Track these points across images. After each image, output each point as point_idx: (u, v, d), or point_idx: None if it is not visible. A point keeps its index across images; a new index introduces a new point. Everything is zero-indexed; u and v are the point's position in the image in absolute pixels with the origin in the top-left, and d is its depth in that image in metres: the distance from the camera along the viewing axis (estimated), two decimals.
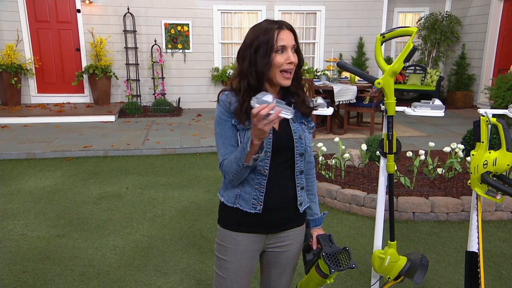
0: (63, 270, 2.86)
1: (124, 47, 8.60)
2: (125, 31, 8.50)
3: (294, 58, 1.43)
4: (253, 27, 1.46)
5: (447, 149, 4.27)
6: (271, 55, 1.41)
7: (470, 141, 4.61)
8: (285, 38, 1.41)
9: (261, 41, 1.40)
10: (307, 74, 8.56)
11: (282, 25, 1.42)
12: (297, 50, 1.46)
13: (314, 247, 1.62)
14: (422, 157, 4.05)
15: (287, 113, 1.27)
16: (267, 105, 1.24)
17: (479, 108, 3.80)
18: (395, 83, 7.87)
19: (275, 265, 1.63)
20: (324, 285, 1.58)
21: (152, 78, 8.81)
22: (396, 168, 3.26)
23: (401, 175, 4.11)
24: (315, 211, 1.69)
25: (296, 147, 1.50)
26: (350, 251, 1.54)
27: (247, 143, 1.35)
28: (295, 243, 1.62)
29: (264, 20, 1.46)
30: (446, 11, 9.80)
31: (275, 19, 1.47)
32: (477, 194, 1.91)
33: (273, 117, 1.24)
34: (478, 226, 1.93)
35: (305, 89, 1.58)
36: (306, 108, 1.54)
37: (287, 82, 1.45)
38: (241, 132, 1.46)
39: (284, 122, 1.49)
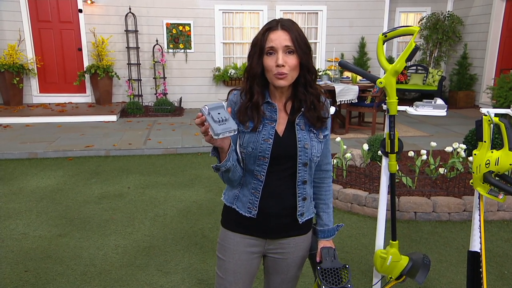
0: (65, 270, 2.87)
1: (126, 47, 8.61)
2: (127, 31, 8.51)
3: (284, 60, 1.33)
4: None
5: (449, 149, 4.26)
6: (262, 56, 1.37)
7: (472, 141, 4.60)
8: (274, 39, 1.33)
9: (255, 42, 1.38)
10: None
11: (276, 24, 1.35)
12: (298, 51, 1.35)
13: (318, 259, 1.56)
14: (424, 157, 4.04)
15: (212, 131, 1.23)
16: (201, 115, 1.23)
17: (481, 108, 3.79)
18: (397, 83, 7.87)
19: (276, 272, 1.60)
20: None
21: (153, 78, 8.81)
22: (397, 167, 3.26)
23: (402, 174, 4.11)
24: (325, 221, 1.59)
25: (299, 156, 1.43)
26: (350, 270, 1.47)
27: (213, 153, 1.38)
28: (297, 252, 1.57)
29: (273, 19, 1.42)
30: (448, 11, 9.79)
31: (280, 18, 1.42)
32: (479, 193, 1.91)
33: (202, 130, 1.24)
34: (480, 226, 1.93)
35: (324, 99, 1.48)
36: (316, 118, 1.44)
37: (280, 83, 1.37)
38: (241, 135, 1.44)
39: (290, 128, 1.44)
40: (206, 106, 1.24)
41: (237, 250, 1.52)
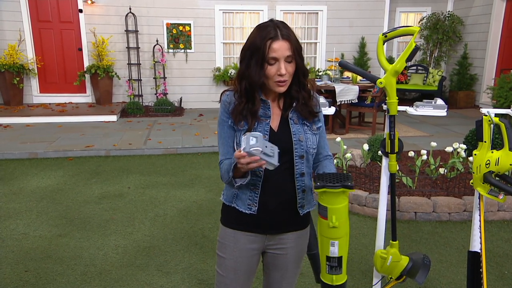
0: (65, 270, 2.87)
1: (126, 47, 8.61)
2: (127, 31, 8.51)
3: (286, 69, 1.38)
4: (256, 27, 1.43)
5: (449, 149, 4.26)
6: (263, 65, 1.39)
7: (472, 141, 4.60)
8: (277, 49, 1.36)
9: (255, 48, 1.38)
10: (309, 74, 8.56)
11: (277, 34, 1.36)
12: (296, 58, 1.40)
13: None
14: (424, 157, 4.04)
15: (272, 165, 1.28)
16: (249, 156, 1.25)
17: (481, 108, 3.79)
18: (397, 83, 7.83)
19: (275, 267, 1.62)
20: (334, 237, 1.37)
21: (154, 78, 8.81)
22: (398, 168, 3.25)
23: (403, 175, 4.11)
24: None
25: (295, 149, 1.47)
26: (351, 177, 1.33)
27: (232, 165, 1.39)
28: (296, 247, 1.59)
29: (268, 22, 1.41)
30: (448, 11, 9.79)
31: (279, 19, 1.43)
32: (479, 194, 1.91)
33: (253, 166, 1.28)
34: (480, 226, 1.93)
35: (312, 93, 1.53)
36: (308, 113, 1.50)
37: (280, 89, 1.43)
38: (238, 133, 1.47)
39: (284, 123, 1.49)
40: (258, 148, 1.25)
41: (237, 248, 1.54)
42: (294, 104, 1.48)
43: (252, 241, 1.55)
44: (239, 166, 1.31)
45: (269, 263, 1.63)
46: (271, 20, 1.42)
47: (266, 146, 1.27)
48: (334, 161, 1.62)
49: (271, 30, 1.37)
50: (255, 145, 1.25)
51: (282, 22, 1.41)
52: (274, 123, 1.49)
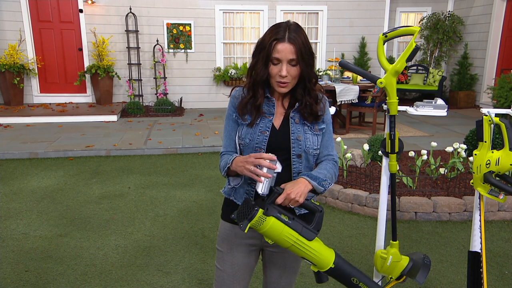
0: (65, 269, 2.87)
1: (126, 47, 8.61)
2: (127, 31, 8.51)
3: (288, 72, 1.40)
4: (271, 26, 1.46)
5: (449, 149, 4.26)
6: (268, 64, 1.42)
7: (473, 141, 4.60)
8: (281, 51, 1.38)
9: (263, 46, 1.43)
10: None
11: (284, 36, 1.38)
12: (301, 63, 1.40)
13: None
14: (425, 157, 4.04)
15: (263, 188, 1.34)
16: (264, 162, 1.33)
17: (482, 108, 3.80)
18: (397, 83, 7.85)
19: (274, 265, 1.64)
20: (281, 247, 1.40)
21: (154, 78, 8.82)
22: (398, 168, 3.25)
23: (403, 175, 4.11)
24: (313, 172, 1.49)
25: (292, 148, 1.48)
26: (256, 211, 1.30)
27: (227, 165, 1.45)
28: None
29: (283, 22, 1.43)
30: (449, 11, 9.78)
31: (282, 20, 1.46)
32: (479, 194, 1.91)
33: (260, 172, 1.33)
34: (480, 226, 1.93)
35: (321, 97, 1.53)
36: (309, 115, 1.50)
37: (281, 90, 1.46)
38: (240, 128, 1.51)
39: (286, 122, 1.51)
40: (278, 171, 1.37)
41: (236, 242, 1.57)
42: (297, 105, 1.51)
43: (250, 237, 1.57)
44: (241, 165, 1.38)
45: (267, 261, 1.66)
46: (287, 21, 1.44)
47: (275, 172, 1.36)
48: (337, 161, 1.61)
49: (280, 31, 1.40)
50: (278, 169, 1.37)
51: (296, 25, 1.42)
52: (277, 121, 1.51)
